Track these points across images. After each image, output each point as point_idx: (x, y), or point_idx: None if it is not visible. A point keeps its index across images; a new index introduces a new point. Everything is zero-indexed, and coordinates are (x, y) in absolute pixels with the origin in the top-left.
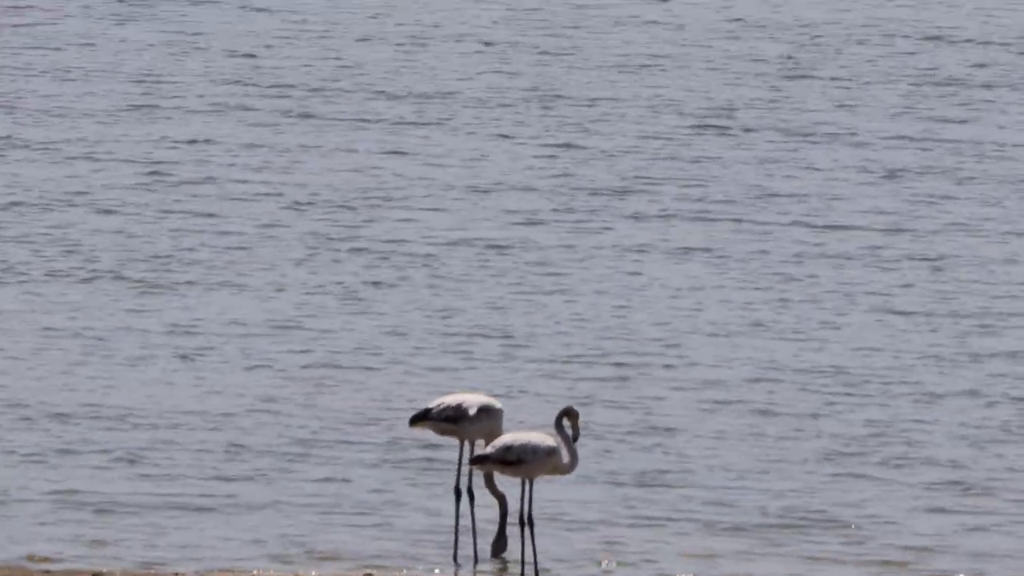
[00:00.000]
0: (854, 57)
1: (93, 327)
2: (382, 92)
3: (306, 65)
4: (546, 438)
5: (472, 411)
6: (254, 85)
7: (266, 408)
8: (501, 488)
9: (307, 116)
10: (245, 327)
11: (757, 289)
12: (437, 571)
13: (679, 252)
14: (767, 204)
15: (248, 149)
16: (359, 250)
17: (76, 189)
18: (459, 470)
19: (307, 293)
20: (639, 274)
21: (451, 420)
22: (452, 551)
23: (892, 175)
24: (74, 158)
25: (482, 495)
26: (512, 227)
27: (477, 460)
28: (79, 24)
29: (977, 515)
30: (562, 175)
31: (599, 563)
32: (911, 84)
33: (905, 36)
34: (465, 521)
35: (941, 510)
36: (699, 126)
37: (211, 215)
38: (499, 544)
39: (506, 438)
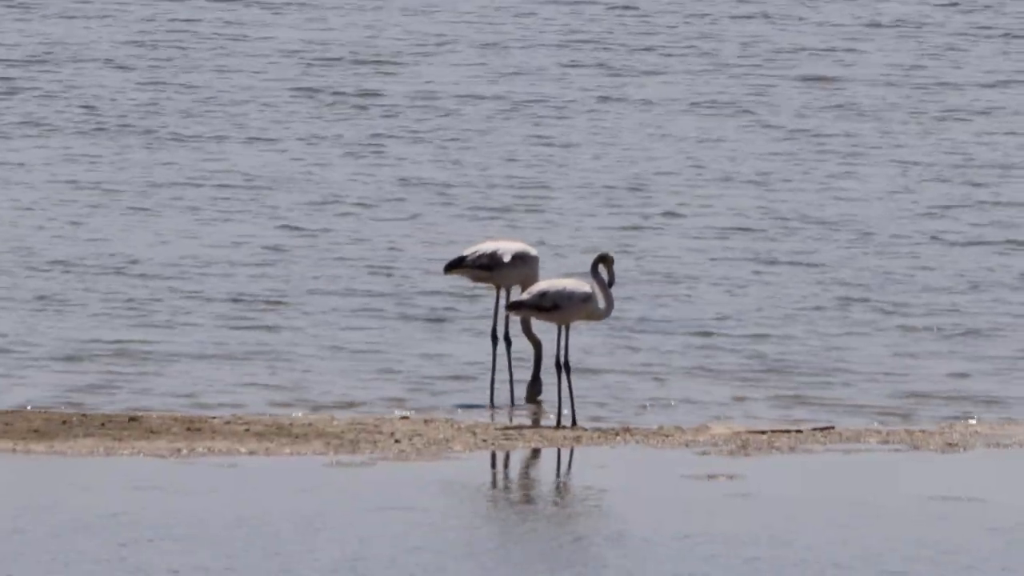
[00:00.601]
0: None
1: (104, 179)
2: None
3: None
4: (582, 284)
5: (507, 258)
6: None
7: (275, 259)
8: (538, 334)
9: None
10: (254, 178)
11: (771, 141)
12: (473, 414)
13: (693, 106)
14: (778, 59)
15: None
16: (373, 105)
17: (89, 42)
18: (495, 316)
19: (313, 145)
20: (658, 126)
21: (486, 267)
22: (489, 393)
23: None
24: (89, 16)
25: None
26: (527, 84)
27: (513, 306)
28: None
29: (976, 361)
30: (578, 33)
31: (644, 406)
32: None
33: None
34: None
35: (941, 354)
36: None
37: (222, 70)
38: (534, 388)
39: (542, 284)
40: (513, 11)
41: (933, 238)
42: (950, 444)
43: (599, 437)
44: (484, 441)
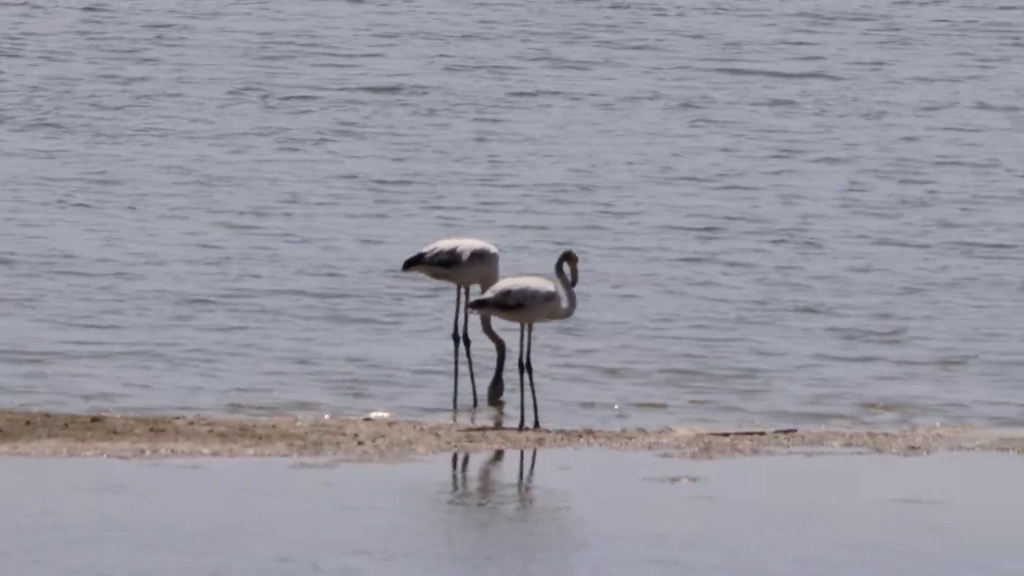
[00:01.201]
0: None
1: (35, 173)
2: None
3: None
4: (545, 283)
5: (465, 256)
6: None
7: (214, 256)
8: (500, 334)
9: None
10: (187, 174)
11: (711, 136)
12: (437, 416)
13: (634, 101)
14: (725, 53)
15: None
16: (316, 98)
17: (27, 33)
18: (456, 316)
19: (248, 140)
20: (601, 122)
21: (444, 264)
22: (452, 395)
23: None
24: (28, 5)
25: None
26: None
27: (476, 304)
28: None
29: (898, 365)
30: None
31: (614, 406)
32: None
33: None
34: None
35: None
36: None
37: (151, 60)
38: (496, 388)
39: (505, 283)
40: (463, 3)
41: (865, 237)
42: (912, 447)
43: (562, 439)
44: (447, 443)
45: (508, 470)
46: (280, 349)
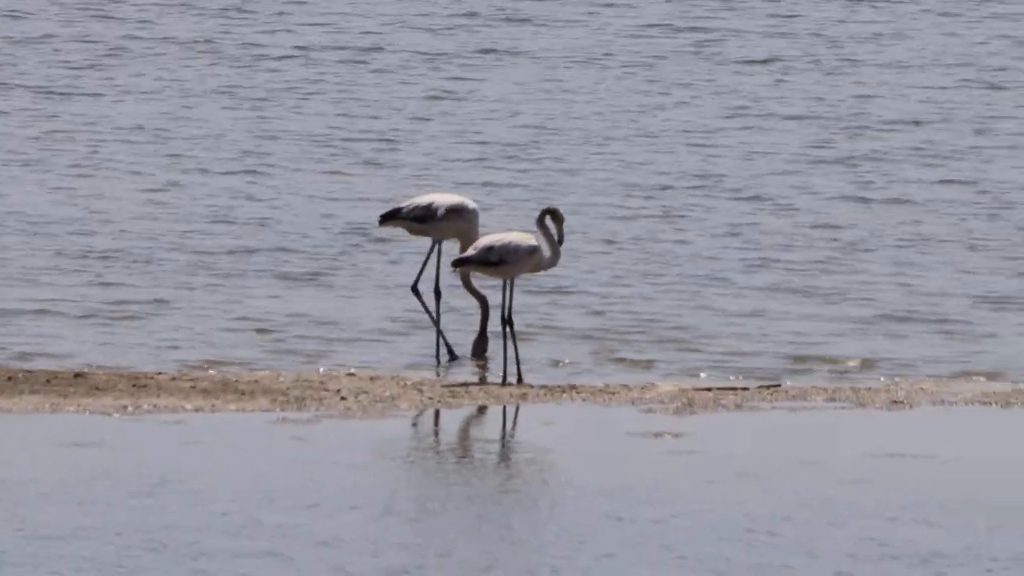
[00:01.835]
0: None
1: None
2: None
3: None
4: (527, 237)
5: (441, 211)
6: None
7: (175, 216)
8: (482, 290)
9: None
10: (134, 131)
11: (659, 95)
12: (420, 371)
13: (584, 61)
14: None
15: None
16: (263, 57)
17: None
18: (436, 270)
19: (193, 95)
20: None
21: (420, 219)
22: (435, 351)
23: None
24: None
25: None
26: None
27: (459, 263)
28: None
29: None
30: None
31: (594, 361)
32: None
33: None
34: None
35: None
36: None
37: (103, 16)
38: (480, 344)
39: (487, 239)
40: None
41: (814, 193)
42: (895, 401)
43: (545, 394)
44: (430, 399)
45: (491, 425)
46: (241, 309)
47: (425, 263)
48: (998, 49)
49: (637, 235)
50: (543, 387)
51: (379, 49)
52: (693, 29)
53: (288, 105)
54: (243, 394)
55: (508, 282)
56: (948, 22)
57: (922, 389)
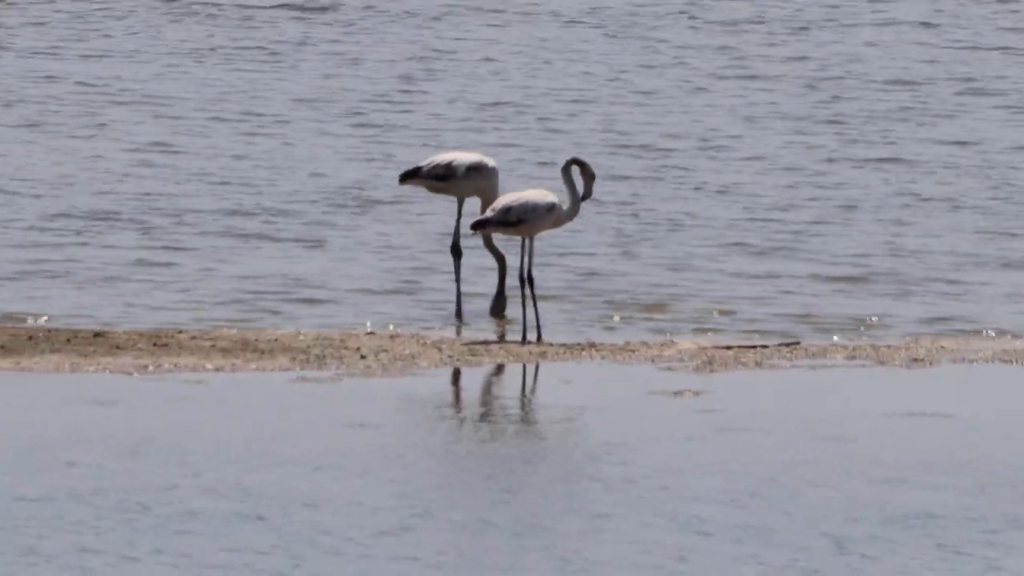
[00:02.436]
0: None
1: None
2: None
3: None
4: (545, 194)
5: (461, 170)
6: None
7: (159, 176)
8: (501, 248)
9: None
10: (105, 94)
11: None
12: (437, 329)
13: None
14: None
15: None
16: (243, 16)
17: None
18: (455, 229)
19: (176, 57)
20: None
21: (440, 178)
22: (455, 308)
23: None
24: None
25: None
26: None
27: (478, 224)
28: None
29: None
30: None
31: (613, 318)
32: None
33: None
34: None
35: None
36: None
37: None
38: (499, 303)
39: (505, 199)
40: None
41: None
42: (916, 359)
43: (565, 352)
44: (450, 357)
45: (511, 384)
46: (238, 270)
47: (458, 221)
48: (994, 12)
49: (624, 200)
50: (563, 345)
51: (370, 8)
52: None
53: (267, 64)
54: (263, 353)
55: (528, 240)
56: None
57: (943, 347)
